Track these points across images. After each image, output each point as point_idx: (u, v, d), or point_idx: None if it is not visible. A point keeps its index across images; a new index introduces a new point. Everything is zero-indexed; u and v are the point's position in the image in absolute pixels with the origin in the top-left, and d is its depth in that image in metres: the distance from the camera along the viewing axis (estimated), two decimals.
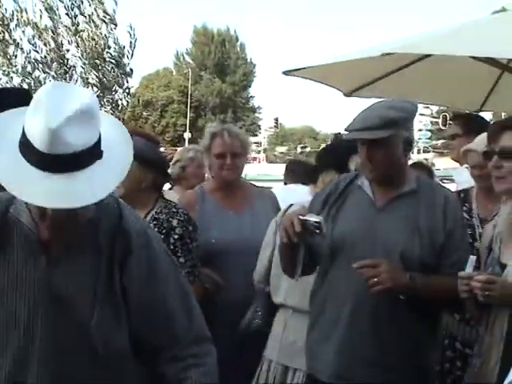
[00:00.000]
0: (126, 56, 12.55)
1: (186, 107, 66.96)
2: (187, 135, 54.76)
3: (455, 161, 6.37)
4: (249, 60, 78.07)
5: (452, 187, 5.60)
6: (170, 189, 6.46)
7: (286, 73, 6.30)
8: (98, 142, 2.36)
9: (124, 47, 12.77)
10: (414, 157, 42.10)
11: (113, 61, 12.47)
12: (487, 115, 7.67)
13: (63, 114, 2.23)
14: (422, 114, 65.13)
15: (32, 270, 2.51)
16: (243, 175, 5.22)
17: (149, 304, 2.62)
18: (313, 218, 3.57)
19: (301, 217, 3.57)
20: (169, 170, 4.95)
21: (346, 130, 3.81)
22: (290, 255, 3.68)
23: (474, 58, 5.97)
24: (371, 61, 5.60)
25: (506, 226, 3.54)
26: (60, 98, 2.28)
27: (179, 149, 9.15)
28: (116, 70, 12.44)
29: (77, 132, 2.25)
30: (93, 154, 2.34)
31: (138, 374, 2.70)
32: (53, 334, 2.52)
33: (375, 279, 3.51)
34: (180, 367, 2.67)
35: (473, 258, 3.44)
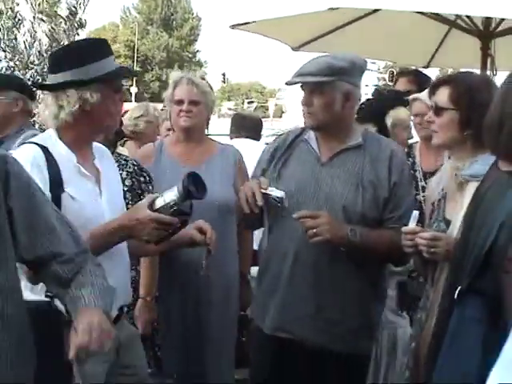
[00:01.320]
0: (78, 8, 12.32)
1: (133, 62, 66.30)
2: (134, 90, 54.25)
3: None
4: (195, 14, 77.47)
5: None
6: (122, 145, 6.38)
7: (233, 27, 6.25)
8: None
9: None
10: None
11: (64, 13, 12.23)
12: (435, 71, 7.69)
13: None
14: (368, 70, 65.37)
15: None
16: None
17: (32, 220, 2.62)
18: (275, 193, 3.58)
19: (263, 190, 3.57)
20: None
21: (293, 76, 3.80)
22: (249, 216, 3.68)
23: (421, 13, 5.98)
24: (319, 15, 5.58)
25: (449, 183, 3.56)
26: None
27: (127, 104, 9.02)
28: (68, 22, 12.21)
29: None
30: None
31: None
32: None
33: (314, 230, 3.52)
34: (76, 263, 2.71)
35: (416, 212, 3.47)
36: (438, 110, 3.48)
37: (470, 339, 2.66)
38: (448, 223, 3.45)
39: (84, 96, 3.18)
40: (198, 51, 78.63)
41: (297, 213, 3.57)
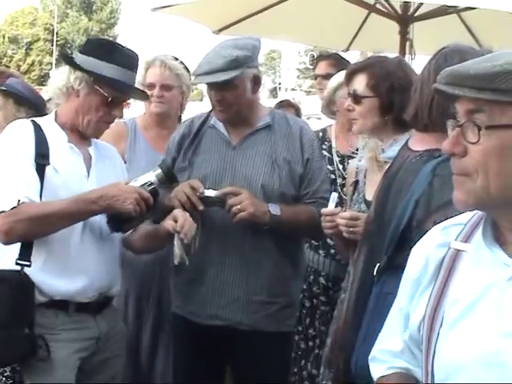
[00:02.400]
0: None
1: (52, 45, 65.36)
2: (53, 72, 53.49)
3: None
4: None
5: (319, 125, 5.69)
6: None
7: (155, 9, 6.21)
8: None
9: None
10: (282, 95, 42.38)
11: None
12: (355, 54, 7.76)
13: None
14: (290, 54, 65.58)
15: None
16: None
17: None
18: (213, 194, 3.59)
19: (200, 194, 3.58)
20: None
21: (193, 74, 3.75)
22: None
23: None
24: None
25: (369, 165, 3.62)
26: None
27: (45, 87, 8.88)
28: None
29: None
30: None
31: None
32: None
33: (238, 206, 3.54)
34: None
35: (334, 194, 3.52)
36: (358, 98, 3.51)
37: (387, 314, 2.72)
38: (369, 204, 3.49)
39: (76, 80, 3.33)
40: (117, 35, 77.79)
41: (219, 190, 3.59)
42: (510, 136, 1.58)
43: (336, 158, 4.71)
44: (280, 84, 65.94)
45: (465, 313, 1.71)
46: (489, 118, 1.60)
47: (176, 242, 3.48)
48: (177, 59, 4.54)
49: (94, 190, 3.25)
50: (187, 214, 3.46)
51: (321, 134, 4.93)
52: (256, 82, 3.74)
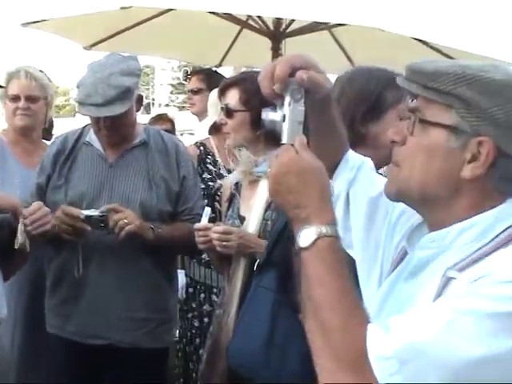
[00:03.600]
0: None
1: None
2: None
3: (195, 115, 6.50)
4: None
5: (191, 140, 5.71)
6: None
7: (25, 25, 6.08)
8: None
9: None
10: (155, 111, 42.27)
11: None
12: (229, 70, 7.81)
13: None
14: (163, 69, 65.50)
15: None
16: None
17: None
18: (96, 213, 3.55)
19: (82, 213, 3.55)
20: None
21: (78, 101, 3.65)
22: None
23: (214, 13, 6.06)
24: (111, 14, 5.54)
25: (243, 180, 3.65)
26: None
27: None
28: None
29: None
30: None
31: None
32: None
33: (125, 220, 3.53)
34: None
35: (207, 209, 3.59)
36: (230, 112, 3.56)
37: (260, 306, 2.82)
38: (242, 220, 3.54)
39: None
40: None
41: (104, 206, 3.57)
42: (441, 138, 1.59)
43: (224, 172, 4.71)
44: (154, 100, 65.81)
45: None
46: (427, 113, 1.62)
47: (20, 227, 3.40)
48: (41, 71, 4.39)
49: None
50: (44, 206, 3.50)
51: (202, 148, 4.93)
52: (139, 101, 3.76)
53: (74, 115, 29.20)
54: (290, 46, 6.23)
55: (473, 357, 1.37)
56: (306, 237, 1.58)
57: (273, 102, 1.70)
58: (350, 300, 1.53)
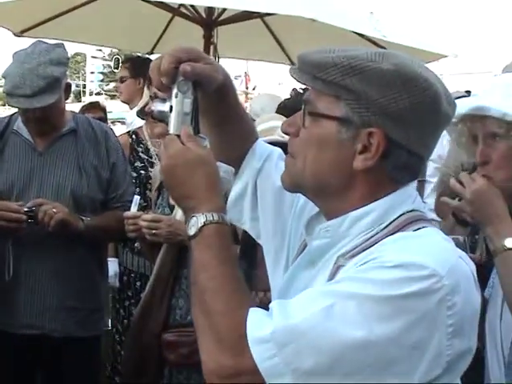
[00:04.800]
0: None
1: None
2: None
3: (125, 103, 6.49)
4: None
5: (123, 129, 5.70)
6: None
7: None
8: None
9: None
10: (87, 99, 41.89)
11: None
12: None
13: None
14: (94, 57, 64.84)
15: None
16: None
17: None
18: (24, 209, 3.53)
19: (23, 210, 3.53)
20: None
21: (6, 93, 3.59)
22: None
23: (145, 1, 6.04)
24: (42, 0, 5.49)
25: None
26: None
27: None
28: None
29: None
30: None
31: None
32: None
33: (53, 209, 3.51)
34: None
35: (137, 197, 3.62)
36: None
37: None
38: (172, 208, 3.57)
39: None
40: None
41: (31, 202, 3.55)
42: (332, 129, 1.58)
43: (156, 161, 4.70)
44: (85, 87, 65.11)
45: None
46: (318, 105, 1.61)
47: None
48: None
49: None
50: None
51: (134, 136, 4.92)
52: (67, 89, 3.74)
53: (4, 105, 28.77)
54: (223, 34, 6.24)
55: (353, 340, 1.38)
56: (193, 225, 1.60)
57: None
58: (233, 284, 1.55)
